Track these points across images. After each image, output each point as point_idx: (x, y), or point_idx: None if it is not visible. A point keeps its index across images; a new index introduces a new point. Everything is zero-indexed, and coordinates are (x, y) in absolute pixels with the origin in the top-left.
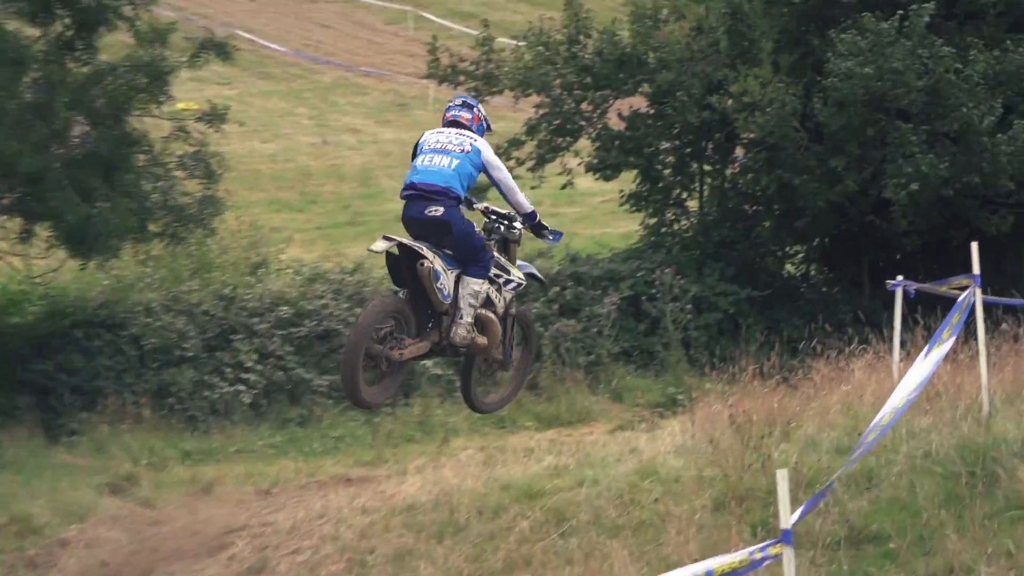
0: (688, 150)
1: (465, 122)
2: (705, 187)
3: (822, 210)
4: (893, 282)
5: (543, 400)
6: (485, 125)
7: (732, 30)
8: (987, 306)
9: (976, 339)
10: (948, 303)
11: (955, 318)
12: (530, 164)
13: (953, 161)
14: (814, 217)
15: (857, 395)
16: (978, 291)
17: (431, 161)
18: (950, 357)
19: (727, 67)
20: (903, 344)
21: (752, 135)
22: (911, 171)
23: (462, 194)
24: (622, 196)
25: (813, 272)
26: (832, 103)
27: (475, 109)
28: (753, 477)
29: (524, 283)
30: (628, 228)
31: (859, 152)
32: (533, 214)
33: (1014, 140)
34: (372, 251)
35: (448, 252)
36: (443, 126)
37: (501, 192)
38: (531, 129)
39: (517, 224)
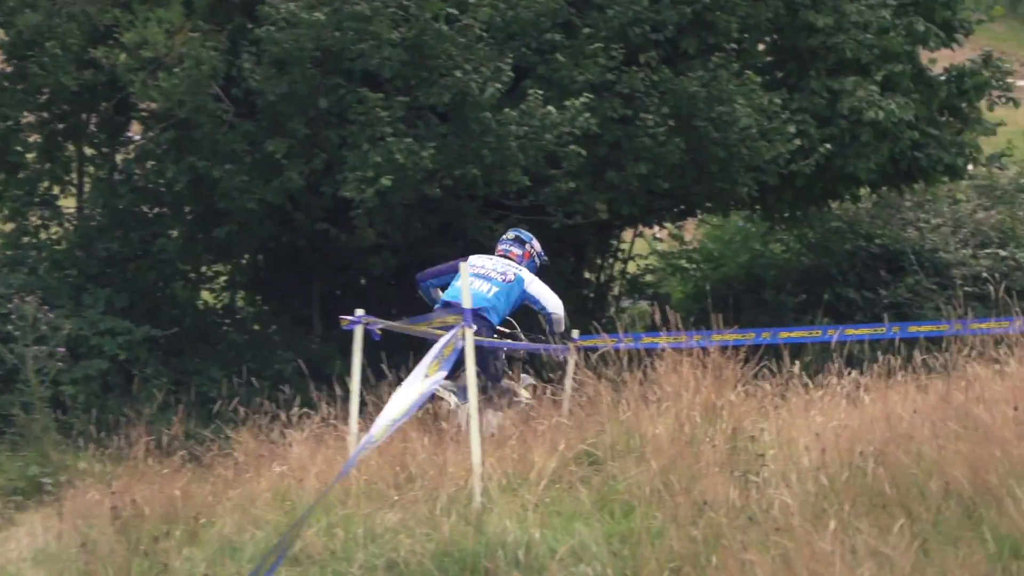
0: (61, 126)
1: (515, 258)
2: (86, 179)
3: (255, 214)
4: (351, 318)
5: None
6: (537, 262)
7: None
8: (485, 352)
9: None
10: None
11: (432, 368)
12: None
13: (442, 146)
14: (243, 224)
15: (296, 479)
16: (468, 332)
17: (472, 284)
18: (428, 426)
19: (119, 8)
20: (363, 406)
21: (155, 106)
22: (380, 161)
23: (496, 321)
24: None
25: (241, 303)
26: (269, 62)
27: (527, 245)
28: None
29: (531, 403)
30: None
31: (307, 132)
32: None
33: (528, 117)
34: None
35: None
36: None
37: (538, 309)
38: None
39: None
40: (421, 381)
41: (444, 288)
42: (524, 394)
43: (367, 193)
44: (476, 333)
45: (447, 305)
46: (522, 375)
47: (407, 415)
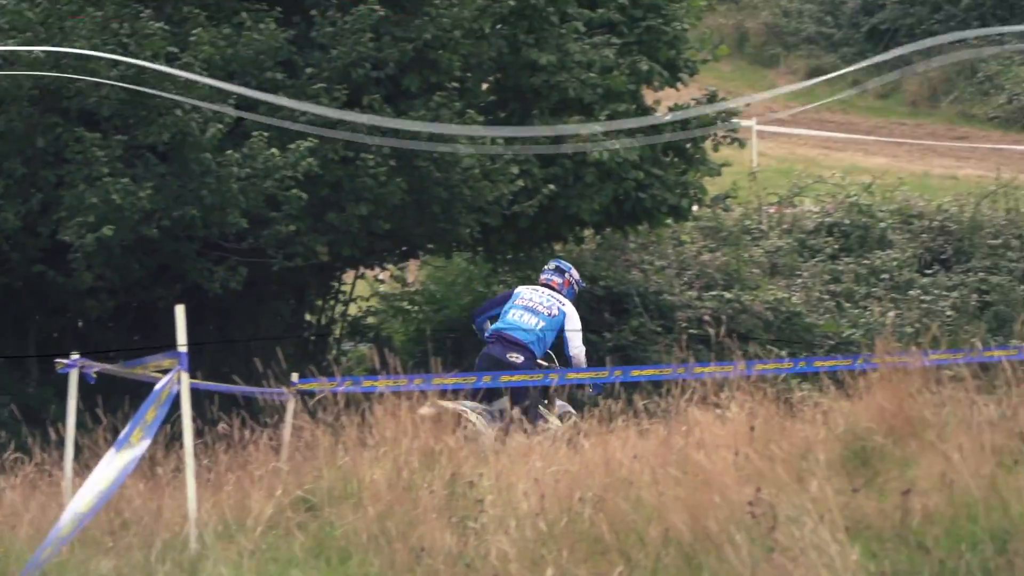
0: None
1: (556, 287)
2: None
3: None
4: (67, 361)
5: None
6: (575, 289)
7: None
8: (201, 396)
9: (182, 445)
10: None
11: (150, 413)
12: None
13: (161, 187)
14: None
15: (9, 526)
16: (184, 375)
17: (520, 318)
18: (145, 471)
19: None
20: (79, 452)
21: None
22: (98, 202)
23: (539, 354)
24: None
25: None
26: None
27: (567, 274)
28: None
29: (561, 428)
30: None
31: (24, 172)
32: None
33: (251, 159)
34: (421, 415)
35: (492, 409)
36: (539, 285)
37: (565, 347)
38: None
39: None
40: (125, 452)
41: (494, 320)
42: (554, 421)
43: (87, 239)
44: (521, 364)
45: (498, 335)
46: (558, 403)
47: (103, 500)
